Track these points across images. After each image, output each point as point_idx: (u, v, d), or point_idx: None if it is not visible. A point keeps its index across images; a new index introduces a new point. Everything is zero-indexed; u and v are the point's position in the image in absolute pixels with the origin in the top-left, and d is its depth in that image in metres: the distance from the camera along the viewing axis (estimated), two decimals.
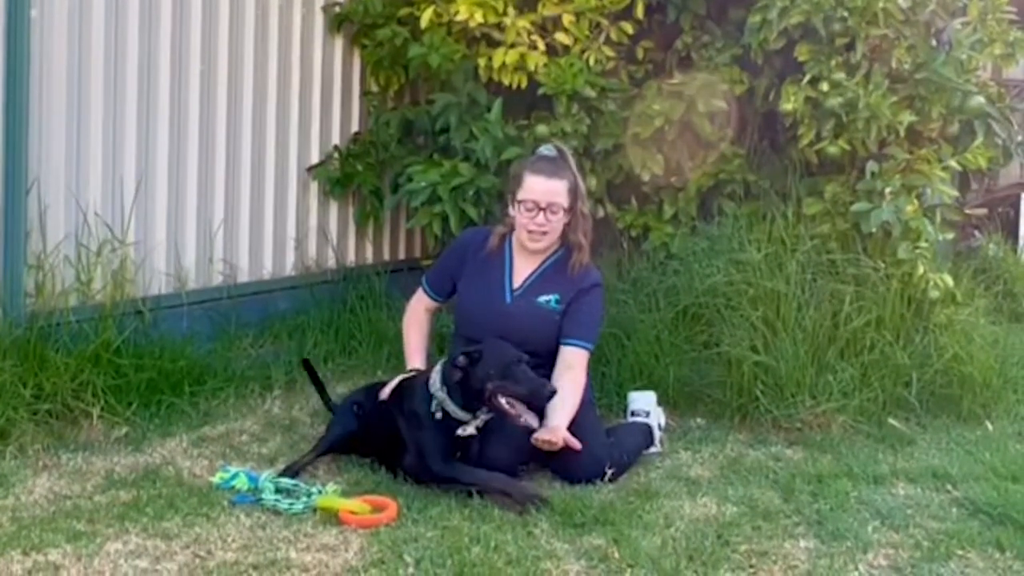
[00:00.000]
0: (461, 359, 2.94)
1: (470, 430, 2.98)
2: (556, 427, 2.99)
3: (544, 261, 3.28)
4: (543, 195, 3.15)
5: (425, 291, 3.45)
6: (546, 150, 3.31)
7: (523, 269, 3.28)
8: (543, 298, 3.22)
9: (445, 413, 2.96)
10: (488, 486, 2.88)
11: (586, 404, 3.23)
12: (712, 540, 2.66)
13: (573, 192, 3.19)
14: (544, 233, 3.18)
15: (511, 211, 3.26)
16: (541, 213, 3.15)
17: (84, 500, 2.81)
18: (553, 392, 2.94)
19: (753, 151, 4.49)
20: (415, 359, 3.33)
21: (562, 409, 3.06)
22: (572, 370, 3.16)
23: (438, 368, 3.02)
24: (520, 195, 3.19)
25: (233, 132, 4.29)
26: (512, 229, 3.29)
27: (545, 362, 3.17)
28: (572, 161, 3.30)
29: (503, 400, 2.92)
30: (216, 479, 2.92)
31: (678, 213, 4.40)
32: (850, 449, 3.44)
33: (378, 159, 4.74)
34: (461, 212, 4.27)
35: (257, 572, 2.42)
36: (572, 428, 3.09)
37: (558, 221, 3.18)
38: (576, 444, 3.02)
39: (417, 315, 3.44)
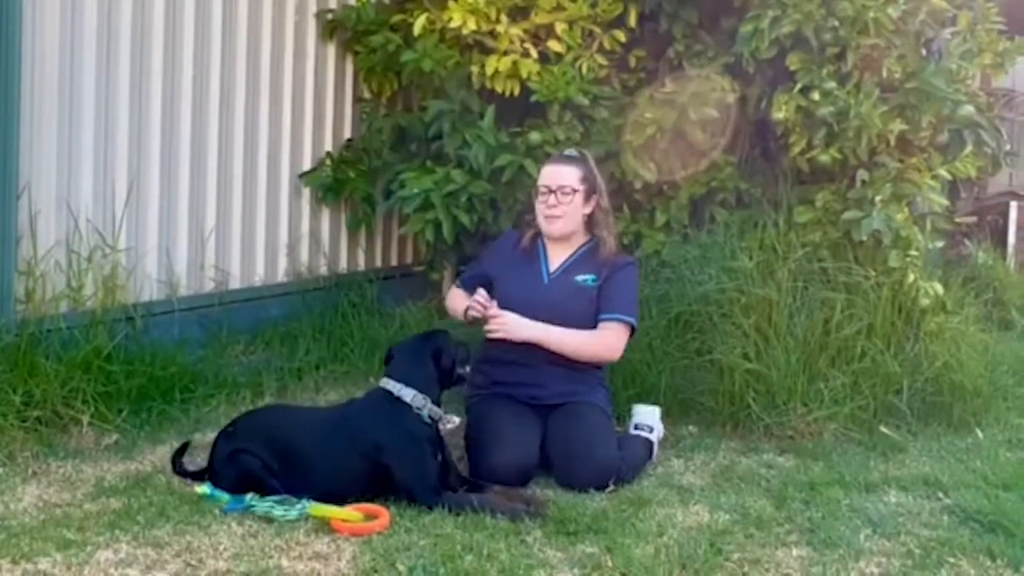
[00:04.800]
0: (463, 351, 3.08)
1: (456, 420, 3.01)
2: (517, 320, 3.21)
3: (577, 250, 3.41)
4: (553, 178, 3.35)
5: (461, 287, 3.51)
6: (568, 151, 3.54)
7: (557, 258, 3.41)
8: (580, 277, 3.36)
9: (430, 419, 2.94)
10: (482, 509, 2.81)
11: (601, 413, 3.26)
12: (705, 548, 2.65)
13: (587, 182, 3.36)
14: (558, 216, 3.33)
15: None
16: (552, 195, 3.33)
17: (74, 508, 2.79)
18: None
19: (745, 159, 4.50)
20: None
21: (563, 332, 3.24)
22: (600, 330, 3.30)
23: (391, 382, 2.96)
24: (537, 184, 3.41)
25: (225, 138, 4.28)
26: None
27: None
28: (591, 162, 3.47)
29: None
30: (200, 490, 2.87)
31: (670, 221, 4.42)
32: (842, 457, 3.45)
33: (371, 166, 4.75)
34: (454, 219, 4.27)
35: None
36: (585, 434, 3.13)
37: (570, 204, 3.33)
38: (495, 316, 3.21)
39: (454, 297, 3.50)
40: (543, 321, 3.25)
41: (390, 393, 2.95)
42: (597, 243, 3.39)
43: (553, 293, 3.32)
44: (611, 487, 3.06)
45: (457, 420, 3.03)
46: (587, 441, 3.12)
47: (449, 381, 3.05)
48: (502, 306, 3.29)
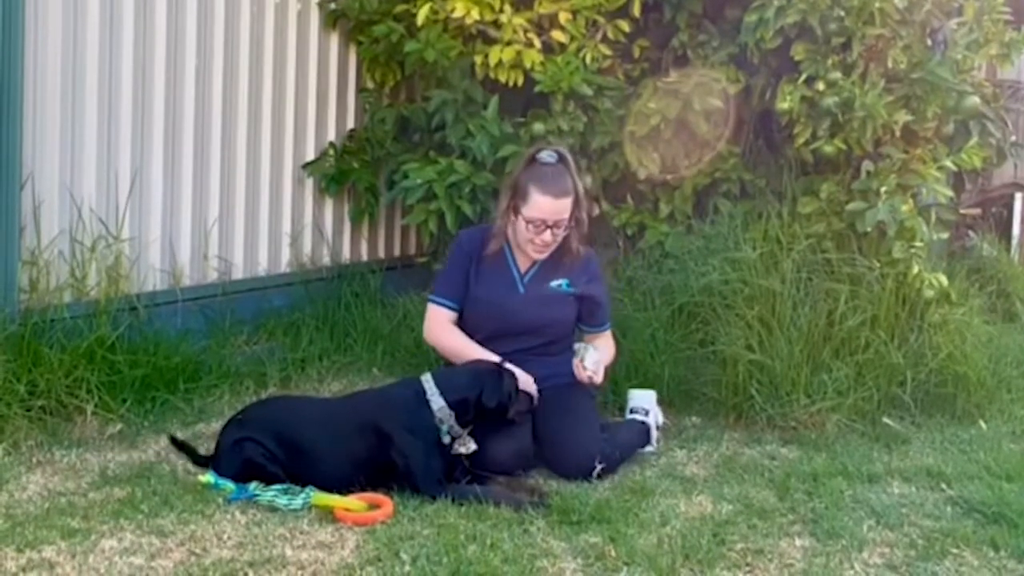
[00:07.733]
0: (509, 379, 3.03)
1: (472, 446, 2.97)
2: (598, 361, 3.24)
3: None
4: (551, 214, 3.17)
5: (441, 305, 3.30)
6: (548, 156, 3.22)
7: (525, 262, 3.33)
8: (554, 283, 3.31)
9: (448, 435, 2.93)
10: (485, 499, 2.82)
11: (584, 396, 3.26)
12: (708, 538, 2.66)
13: (576, 203, 3.23)
14: (548, 246, 3.24)
15: (511, 216, 3.22)
16: (548, 230, 3.19)
17: (78, 497, 2.80)
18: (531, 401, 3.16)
19: (749, 150, 4.49)
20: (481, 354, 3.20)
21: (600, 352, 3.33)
22: (598, 340, 3.43)
23: (431, 383, 2.95)
24: (526, 212, 3.17)
25: (228, 128, 4.27)
26: (507, 235, 3.29)
27: (559, 340, 3.33)
28: (572, 166, 3.27)
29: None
30: (204, 479, 2.88)
31: (674, 211, 4.41)
32: (845, 448, 3.45)
33: (374, 156, 4.74)
34: (457, 209, 4.27)
35: (252, 569, 2.41)
36: (568, 418, 3.15)
37: (562, 233, 3.24)
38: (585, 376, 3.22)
39: (444, 326, 3.30)
40: (519, 330, 3.23)
41: (422, 391, 2.94)
42: (563, 242, 3.27)
43: (530, 304, 3.26)
44: (597, 468, 3.06)
45: (474, 447, 2.98)
46: (572, 427, 3.13)
47: (486, 418, 2.98)
48: (476, 319, 3.26)
